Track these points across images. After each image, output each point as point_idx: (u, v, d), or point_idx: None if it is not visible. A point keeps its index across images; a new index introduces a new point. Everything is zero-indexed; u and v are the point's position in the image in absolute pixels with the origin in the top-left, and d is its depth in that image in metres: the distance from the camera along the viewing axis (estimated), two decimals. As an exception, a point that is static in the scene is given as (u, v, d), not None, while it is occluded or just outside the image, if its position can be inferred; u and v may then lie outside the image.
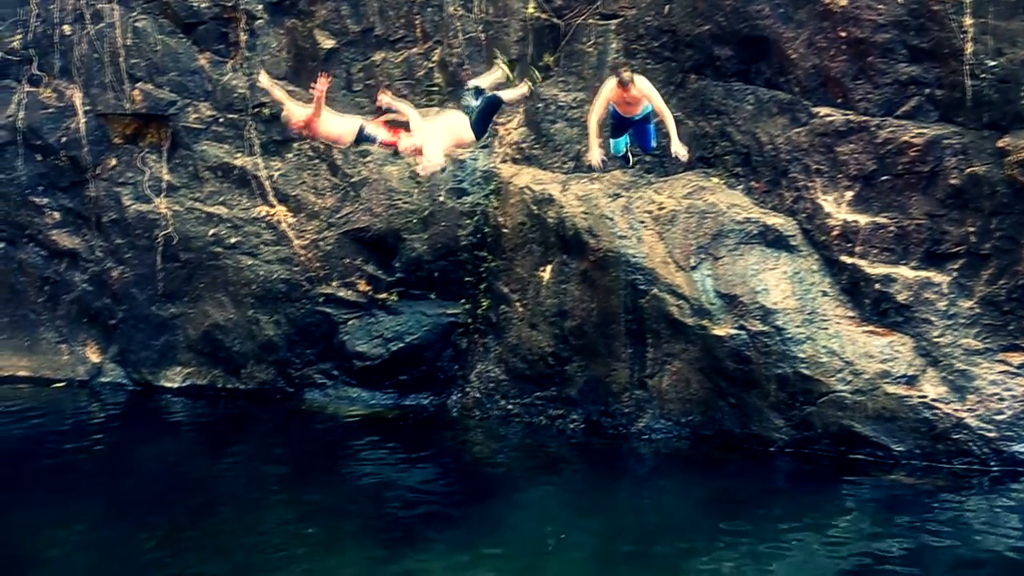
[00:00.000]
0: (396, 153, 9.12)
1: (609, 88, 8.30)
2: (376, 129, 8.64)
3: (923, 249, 9.23)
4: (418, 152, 8.15)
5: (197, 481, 8.82)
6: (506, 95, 8.64)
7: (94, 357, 11.87)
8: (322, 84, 7.89)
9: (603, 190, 10.25)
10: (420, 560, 7.04)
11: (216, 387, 11.40)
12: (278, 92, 8.60)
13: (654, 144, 8.96)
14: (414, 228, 10.90)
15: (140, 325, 11.63)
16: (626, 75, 8.11)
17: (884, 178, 9.30)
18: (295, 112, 8.29)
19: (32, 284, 11.93)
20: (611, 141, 8.82)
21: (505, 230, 10.67)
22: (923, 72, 9.05)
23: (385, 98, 8.56)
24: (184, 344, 11.51)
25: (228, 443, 9.51)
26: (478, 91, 8.33)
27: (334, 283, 11.09)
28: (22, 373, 11.85)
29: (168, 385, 11.52)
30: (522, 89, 8.96)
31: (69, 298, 11.87)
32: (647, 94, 8.25)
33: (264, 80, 8.86)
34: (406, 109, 8.35)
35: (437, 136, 8.10)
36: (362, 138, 8.53)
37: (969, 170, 8.97)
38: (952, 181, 9.06)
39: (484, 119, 8.29)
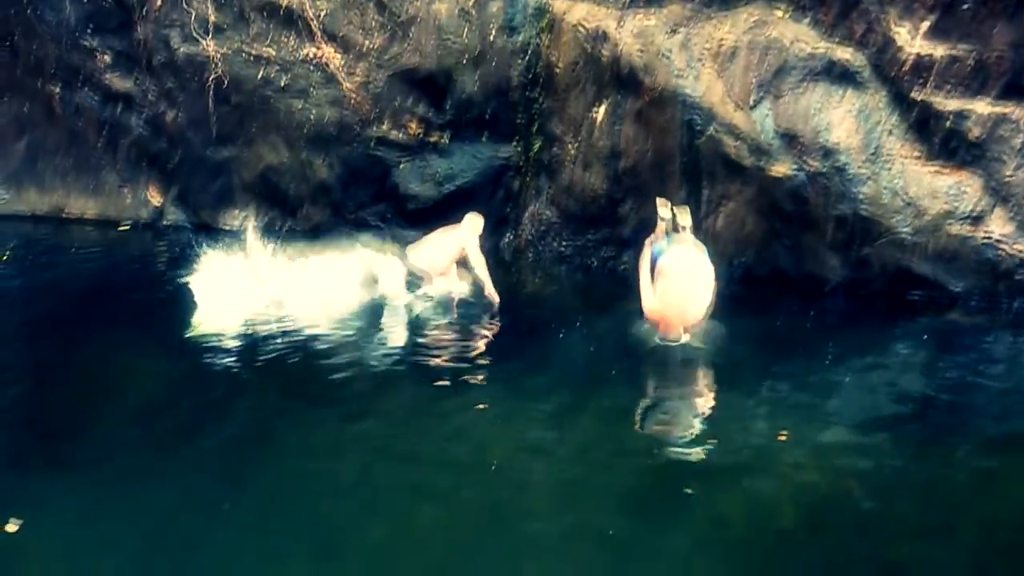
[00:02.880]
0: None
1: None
2: None
3: (1002, 83, 8.70)
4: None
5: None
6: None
7: (155, 199, 12.15)
8: None
9: (660, 26, 9.80)
10: (466, 390, 7.28)
11: (274, 228, 11.63)
12: None
13: None
14: (464, 68, 10.64)
15: (197, 168, 11.80)
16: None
17: (965, 6, 8.68)
18: None
19: (91, 127, 12.10)
20: None
21: (557, 69, 10.34)
22: None
23: None
24: (240, 186, 11.68)
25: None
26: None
27: (385, 125, 11.00)
28: (89, 215, 12.23)
29: (227, 227, 11.80)
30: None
31: (127, 142, 12.03)
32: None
33: None
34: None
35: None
36: None
37: (1063, -6, 8.33)
38: (1042, 7, 8.44)
39: None
